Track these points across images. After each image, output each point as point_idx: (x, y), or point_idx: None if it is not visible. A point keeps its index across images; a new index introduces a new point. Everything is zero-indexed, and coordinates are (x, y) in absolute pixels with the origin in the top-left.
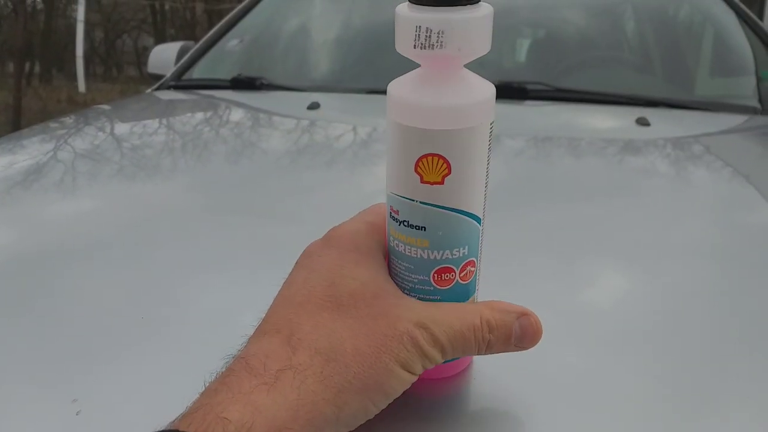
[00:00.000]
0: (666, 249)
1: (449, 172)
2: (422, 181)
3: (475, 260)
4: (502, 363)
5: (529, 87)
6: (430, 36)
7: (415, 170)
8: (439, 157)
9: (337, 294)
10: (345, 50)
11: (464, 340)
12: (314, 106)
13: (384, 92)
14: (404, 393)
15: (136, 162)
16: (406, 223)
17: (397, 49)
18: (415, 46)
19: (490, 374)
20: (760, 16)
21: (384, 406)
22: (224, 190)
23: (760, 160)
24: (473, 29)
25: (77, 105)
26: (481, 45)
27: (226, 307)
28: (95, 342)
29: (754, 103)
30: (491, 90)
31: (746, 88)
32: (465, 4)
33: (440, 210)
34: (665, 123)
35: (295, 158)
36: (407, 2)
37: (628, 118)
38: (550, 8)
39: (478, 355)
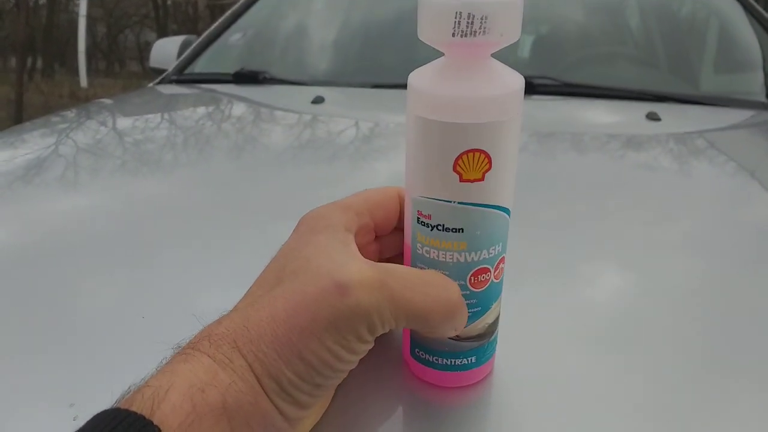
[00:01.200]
0: (679, 245)
1: (490, 168)
2: (461, 180)
3: (505, 256)
4: (522, 372)
5: (536, 81)
6: (472, 22)
7: (454, 169)
8: (481, 152)
9: (282, 275)
10: (348, 44)
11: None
12: (319, 100)
13: (389, 86)
14: (423, 400)
15: (138, 156)
16: (440, 227)
17: (423, 38)
18: (454, 33)
19: (510, 384)
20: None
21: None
22: (227, 186)
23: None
24: (515, 13)
25: (79, 100)
26: (518, 29)
27: (230, 305)
28: (94, 342)
29: (762, 98)
30: (521, 78)
31: (754, 83)
32: None
33: (480, 208)
34: (675, 118)
35: (298, 153)
36: None
37: (638, 113)
38: (557, 3)
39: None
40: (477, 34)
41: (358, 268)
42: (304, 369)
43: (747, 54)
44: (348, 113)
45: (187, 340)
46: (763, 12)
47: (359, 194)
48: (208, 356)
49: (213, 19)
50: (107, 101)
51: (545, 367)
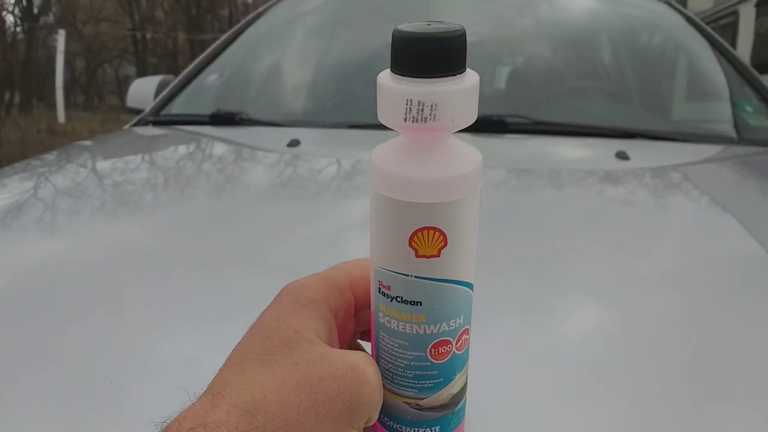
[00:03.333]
0: (649, 280)
1: (445, 245)
2: (417, 255)
3: (469, 327)
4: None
5: (509, 120)
6: (422, 109)
7: (410, 245)
8: (436, 230)
9: (271, 346)
10: (325, 85)
11: None
12: (294, 143)
13: (365, 126)
14: None
15: (118, 199)
16: (399, 299)
17: (381, 121)
18: (406, 119)
19: None
20: (733, 42)
21: None
22: (206, 230)
23: (739, 189)
24: (466, 99)
25: (57, 135)
26: (472, 113)
27: (206, 354)
28: (63, 396)
29: (731, 132)
30: (479, 155)
31: (722, 118)
32: (456, 74)
33: (437, 283)
34: (644, 154)
35: (277, 192)
36: (389, 72)
37: (607, 151)
38: (527, 39)
39: None
40: (427, 120)
41: (365, 358)
42: None
43: (714, 88)
44: (324, 153)
45: (173, 418)
46: (729, 47)
47: (340, 267)
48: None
49: (192, 54)
50: (86, 143)
51: (517, 428)
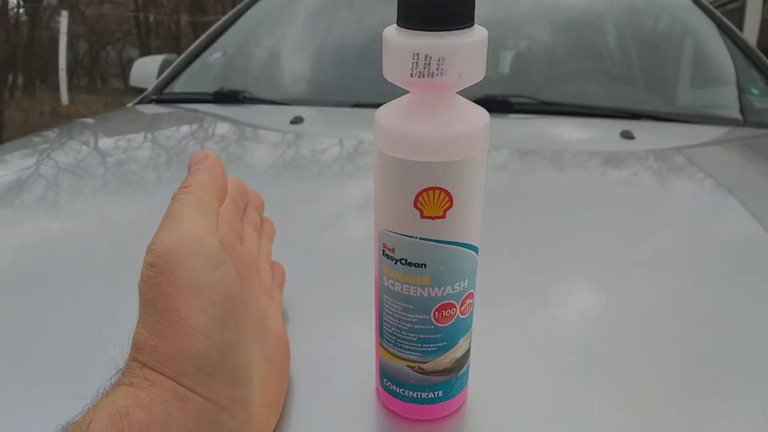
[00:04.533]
0: (650, 262)
1: (451, 205)
2: (422, 216)
3: (473, 291)
4: (495, 401)
5: (514, 100)
6: (429, 63)
7: (415, 205)
8: (441, 190)
9: None
10: (328, 63)
11: None
12: (297, 120)
13: (369, 105)
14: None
15: (120, 177)
16: (403, 261)
17: (387, 77)
18: (412, 74)
19: (483, 417)
20: (740, 27)
21: None
22: None
23: (742, 172)
24: (474, 54)
25: (60, 117)
26: (480, 70)
27: None
28: (69, 369)
29: (736, 114)
30: (486, 115)
31: (728, 100)
32: (463, 28)
33: (442, 245)
34: (649, 136)
35: (279, 172)
36: (396, 26)
37: (612, 131)
38: (533, 20)
39: None
40: (434, 75)
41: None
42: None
43: (720, 70)
44: (327, 132)
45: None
46: (736, 29)
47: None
48: (126, 385)
49: (195, 36)
50: (89, 121)
51: (519, 399)
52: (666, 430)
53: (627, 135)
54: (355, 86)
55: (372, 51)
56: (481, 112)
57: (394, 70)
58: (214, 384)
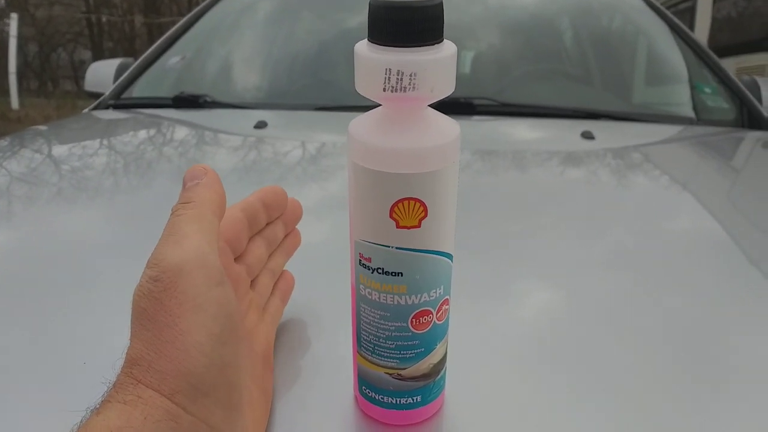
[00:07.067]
0: (610, 260)
1: (426, 215)
2: (398, 226)
3: (449, 297)
4: (472, 402)
5: (476, 102)
6: (401, 78)
7: (390, 216)
8: (416, 200)
9: None
10: (290, 66)
11: None
12: (261, 125)
13: (332, 109)
14: None
15: (75, 185)
16: (380, 271)
17: (359, 91)
18: (385, 89)
19: (462, 415)
20: (691, 27)
21: None
22: (167, 215)
23: (696, 168)
24: (445, 69)
25: (10, 122)
26: (450, 83)
27: None
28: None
29: (690, 113)
30: (457, 126)
31: (681, 99)
32: (434, 44)
33: (418, 254)
34: (608, 136)
35: (242, 176)
36: (367, 41)
37: (573, 132)
38: (490, 23)
39: None
40: (407, 89)
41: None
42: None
43: (675, 70)
44: (292, 136)
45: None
46: (689, 31)
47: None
48: (118, 402)
49: (150, 37)
50: (42, 128)
51: (497, 399)
52: (646, 425)
53: (587, 135)
54: (318, 89)
55: (336, 53)
56: (453, 124)
57: (366, 85)
58: (207, 403)
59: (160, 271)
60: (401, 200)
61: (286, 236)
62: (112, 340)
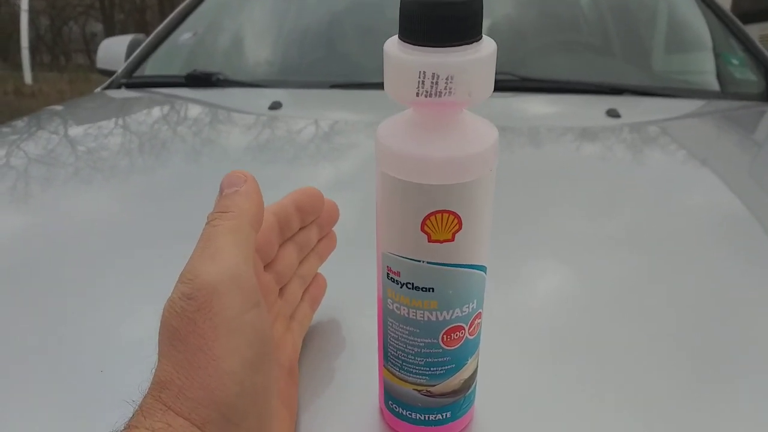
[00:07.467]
0: (631, 237)
1: (460, 228)
2: (430, 240)
3: (481, 311)
4: (503, 415)
5: (497, 78)
6: (437, 82)
7: (422, 229)
8: (450, 213)
9: None
10: (306, 43)
11: None
12: (276, 105)
13: (348, 86)
14: None
15: (92, 165)
16: (410, 285)
17: (389, 94)
18: (418, 93)
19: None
20: None
21: None
22: (185, 196)
23: (720, 143)
24: (484, 70)
25: (24, 97)
26: (489, 86)
27: None
28: (28, 381)
29: (715, 86)
30: (495, 131)
31: (706, 69)
32: (471, 42)
33: (450, 268)
34: (633, 112)
35: (256, 156)
36: (398, 39)
37: (598, 109)
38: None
39: None
40: (442, 94)
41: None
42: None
43: (700, 41)
44: (307, 115)
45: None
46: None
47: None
48: (146, 429)
49: (161, 9)
50: (58, 108)
51: (528, 410)
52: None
53: (613, 113)
54: (332, 66)
55: (350, 31)
56: (490, 127)
57: (397, 89)
58: None
59: (194, 288)
60: (434, 213)
61: (320, 240)
62: (128, 329)
